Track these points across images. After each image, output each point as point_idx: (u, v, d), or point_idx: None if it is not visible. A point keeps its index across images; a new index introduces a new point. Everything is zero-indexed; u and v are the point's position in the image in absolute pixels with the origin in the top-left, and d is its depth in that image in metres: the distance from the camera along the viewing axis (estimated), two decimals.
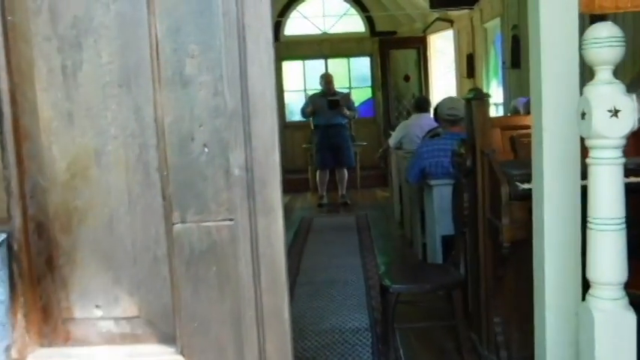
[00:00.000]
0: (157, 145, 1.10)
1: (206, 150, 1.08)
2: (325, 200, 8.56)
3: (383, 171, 9.88)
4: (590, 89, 1.71)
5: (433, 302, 3.49)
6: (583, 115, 1.72)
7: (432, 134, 5.29)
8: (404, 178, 5.38)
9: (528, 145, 3.04)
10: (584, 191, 2.10)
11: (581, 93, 1.92)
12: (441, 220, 4.16)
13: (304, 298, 4.43)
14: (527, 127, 3.16)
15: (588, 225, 1.79)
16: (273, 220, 1.12)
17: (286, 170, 11.27)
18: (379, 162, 8.57)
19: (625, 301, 1.78)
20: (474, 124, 2.96)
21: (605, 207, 1.73)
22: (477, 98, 2.92)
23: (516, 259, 2.86)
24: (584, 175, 2.06)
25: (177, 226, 1.10)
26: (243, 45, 1.03)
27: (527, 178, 2.83)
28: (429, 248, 4.59)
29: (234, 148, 1.07)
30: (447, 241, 4.08)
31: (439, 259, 4.29)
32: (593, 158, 1.73)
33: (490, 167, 2.85)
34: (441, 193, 4.12)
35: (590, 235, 1.79)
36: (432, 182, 4.17)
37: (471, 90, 3.12)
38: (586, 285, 1.94)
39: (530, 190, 2.70)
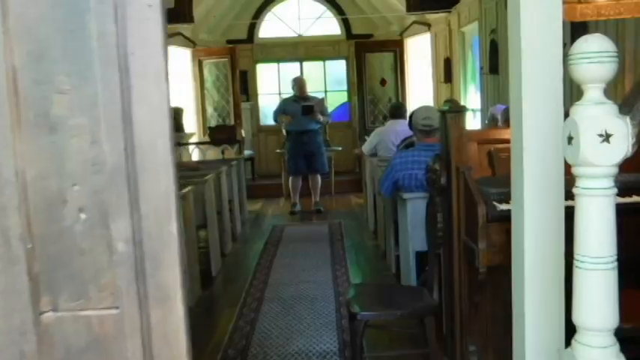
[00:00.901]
0: (19, 208, 0.84)
1: (82, 216, 0.83)
2: (298, 207, 8.33)
3: (357, 176, 9.70)
4: (578, 110, 1.50)
5: (405, 327, 3.28)
6: (570, 139, 1.51)
7: (407, 143, 5.10)
8: (377, 189, 5.18)
9: (507, 161, 2.84)
10: (568, 213, 1.91)
11: (565, 111, 1.72)
12: (414, 236, 3.95)
13: (270, 316, 4.19)
14: (506, 140, 2.96)
15: (575, 263, 1.59)
16: (170, 311, 0.87)
17: (259, 175, 11.05)
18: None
19: (615, 348, 1.57)
20: (448, 138, 2.75)
21: (595, 243, 1.52)
22: (453, 111, 2.71)
23: (493, 284, 2.67)
24: (567, 194, 1.87)
25: (48, 316, 0.85)
26: (126, 78, 0.79)
27: (506, 198, 2.63)
28: (402, 264, 4.38)
29: (117, 215, 0.82)
30: (422, 257, 3.88)
31: (413, 275, 4.09)
32: (580, 188, 1.52)
33: (466, 185, 2.65)
34: (415, 208, 3.91)
35: (577, 274, 1.58)
36: (406, 196, 3.96)
37: (446, 101, 2.91)
38: (571, 324, 1.74)
39: (509, 211, 2.50)
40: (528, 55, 2.02)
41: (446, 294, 2.84)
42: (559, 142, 1.65)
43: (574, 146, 1.50)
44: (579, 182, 1.52)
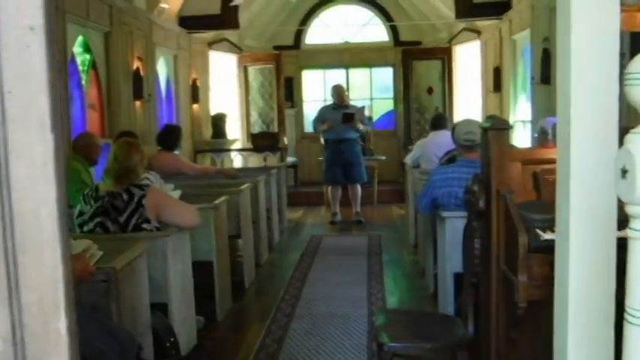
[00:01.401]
0: None
1: None
2: (338, 217, 8.14)
3: (401, 187, 9.46)
4: (636, 139, 1.28)
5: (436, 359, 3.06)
6: (624, 172, 1.29)
7: (450, 157, 4.87)
8: (415, 205, 4.95)
9: (554, 184, 2.61)
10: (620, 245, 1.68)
11: (620, 138, 1.49)
12: (453, 257, 3.72)
13: (299, 334, 4.01)
14: (554, 161, 2.72)
15: (625, 316, 1.36)
16: None
17: (302, 183, 10.93)
18: None
19: None
20: (489, 157, 2.53)
21: None
22: (495, 128, 2.48)
23: (533, 320, 2.43)
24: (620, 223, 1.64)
25: None
26: (0, 126, 0.63)
27: (552, 225, 2.39)
28: (440, 286, 4.14)
29: None
30: (460, 279, 3.65)
31: (450, 299, 3.85)
32: (634, 230, 1.29)
33: (506, 210, 2.42)
34: (455, 227, 3.67)
35: (628, 329, 1.35)
36: (445, 214, 3.73)
37: (488, 117, 2.69)
38: None
39: (554, 241, 2.26)
40: (579, 70, 1.79)
41: (482, 327, 2.61)
42: (612, 170, 1.43)
43: (628, 181, 1.28)
44: (633, 223, 1.30)
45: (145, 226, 3.31)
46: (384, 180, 10.24)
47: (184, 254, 3.60)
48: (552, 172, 2.65)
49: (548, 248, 2.25)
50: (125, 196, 3.29)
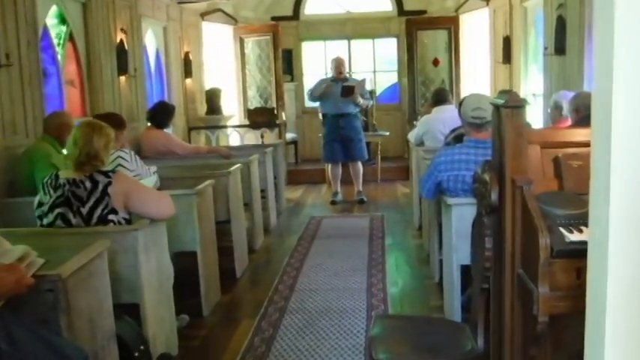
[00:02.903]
0: None
1: None
2: (340, 197, 7.75)
3: (406, 163, 9.04)
4: None
5: None
6: None
7: (456, 134, 4.46)
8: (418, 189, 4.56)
9: (580, 171, 2.20)
10: None
11: None
12: (460, 248, 3.34)
13: (291, 333, 3.66)
14: (579, 144, 2.31)
15: None
16: None
17: (303, 160, 10.51)
18: None
19: None
20: (503, 141, 2.12)
21: None
22: (510, 105, 2.07)
23: (555, 337, 2.04)
24: None
25: None
26: None
27: (578, 223, 2.00)
28: (445, 277, 3.77)
29: None
30: (468, 272, 3.27)
31: (457, 293, 3.49)
32: None
33: (524, 204, 2.02)
34: (462, 215, 3.29)
35: None
36: (450, 201, 3.34)
37: (501, 92, 2.27)
38: None
39: (582, 244, 1.87)
40: (625, 31, 1.37)
41: (494, 341, 2.23)
42: None
43: None
44: None
45: (111, 217, 2.93)
46: (388, 156, 9.84)
47: (160, 247, 3.22)
48: (577, 156, 2.25)
49: (576, 253, 1.86)
50: (88, 184, 2.91)
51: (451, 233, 3.37)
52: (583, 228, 1.95)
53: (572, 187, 2.15)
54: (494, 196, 2.06)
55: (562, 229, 1.94)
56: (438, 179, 3.42)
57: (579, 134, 2.31)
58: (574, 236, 1.89)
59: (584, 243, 1.88)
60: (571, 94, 4.43)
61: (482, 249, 2.15)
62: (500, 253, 2.15)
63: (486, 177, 2.14)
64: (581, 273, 1.88)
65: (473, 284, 2.35)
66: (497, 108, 2.19)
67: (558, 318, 1.96)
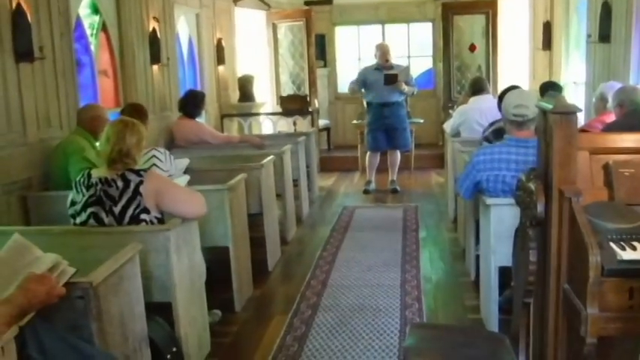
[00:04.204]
0: None
1: None
2: (373, 186, 7.66)
3: (441, 151, 8.88)
4: None
5: None
6: None
7: (496, 128, 4.32)
8: (455, 188, 4.44)
9: (632, 180, 2.08)
10: None
11: None
12: (498, 250, 3.24)
13: (323, 332, 3.60)
14: (631, 150, 2.19)
15: None
16: None
17: (335, 146, 10.42)
18: None
19: None
20: (550, 148, 2.00)
21: None
22: (561, 112, 1.95)
23: (603, 357, 1.94)
24: None
25: None
26: None
27: (630, 237, 1.88)
28: (482, 277, 3.67)
29: None
30: (507, 274, 3.17)
31: (494, 295, 3.39)
32: None
33: (572, 218, 1.91)
34: (501, 216, 3.18)
35: None
36: (489, 201, 3.22)
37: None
38: None
39: (636, 263, 1.77)
40: None
41: (535, 358, 2.14)
42: None
43: None
44: None
45: (143, 216, 2.90)
46: (422, 143, 9.67)
47: (192, 246, 3.19)
48: (629, 164, 2.12)
49: (630, 272, 1.75)
50: (120, 183, 2.88)
51: (489, 234, 3.26)
52: (636, 244, 1.84)
53: (624, 198, 2.04)
54: (540, 209, 1.95)
55: (613, 245, 1.83)
56: (477, 179, 3.31)
57: (631, 140, 2.18)
58: (627, 254, 1.78)
59: (638, 262, 1.78)
60: (617, 86, 4.24)
61: (525, 262, 2.04)
62: (544, 266, 2.04)
63: (531, 186, 2.03)
64: (634, 293, 1.78)
65: (514, 298, 2.25)
66: (544, 112, 2.07)
67: (609, 343, 1.86)
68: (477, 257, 4.06)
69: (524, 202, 2.10)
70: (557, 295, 1.98)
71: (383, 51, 7.35)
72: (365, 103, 7.76)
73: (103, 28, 5.32)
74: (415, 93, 7.75)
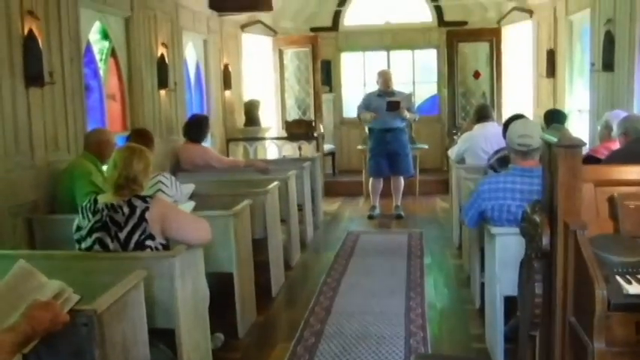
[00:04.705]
0: None
1: None
2: (377, 212, 7.66)
3: (445, 176, 8.89)
4: None
5: None
6: None
7: (500, 157, 4.33)
8: (460, 217, 4.44)
9: (637, 212, 2.08)
10: None
11: None
12: (503, 278, 3.23)
13: None
14: (636, 182, 2.19)
15: None
16: None
17: (340, 171, 10.44)
18: None
19: None
20: (555, 180, 2.01)
21: None
22: (566, 145, 1.96)
23: None
24: None
25: None
26: None
27: (636, 270, 1.88)
28: (487, 306, 3.65)
29: None
30: (512, 304, 3.16)
31: (500, 326, 3.37)
32: None
33: (577, 250, 1.91)
34: (506, 245, 3.18)
35: None
36: (495, 230, 3.22)
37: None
38: None
39: None
40: None
41: None
42: None
43: None
44: None
45: (148, 243, 2.91)
46: (427, 169, 9.67)
47: (196, 272, 3.18)
48: (635, 196, 2.12)
49: (634, 306, 1.75)
50: (126, 209, 2.89)
51: (494, 263, 3.26)
52: None
53: (629, 230, 2.04)
54: (545, 241, 1.96)
55: (619, 279, 1.83)
56: (482, 208, 3.31)
57: (636, 171, 2.19)
58: (633, 288, 1.78)
59: None
60: (623, 115, 4.26)
61: (531, 294, 2.04)
62: (550, 298, 2.04)
63: (537, 218, 2.03)
64: None
65: (520, 330, 2.24)
66: (548, 145, 2.08)
67: None
68: (482, 285, 4.05)
69: (529, 233, 2.10)
70: (563, 328, 1.97)
71: (385, 78, 7.41)
72: (367, 129, 7.80)
73: (112, 53, 5.38)
74: (416, 119, 7.81)
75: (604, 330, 1.75)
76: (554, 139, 2.00)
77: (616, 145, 4.19)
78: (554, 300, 1.99)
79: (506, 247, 3.18)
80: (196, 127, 5.97)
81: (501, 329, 3.38)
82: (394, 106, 7.13)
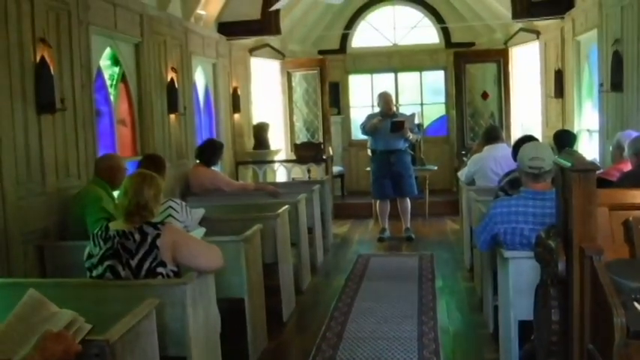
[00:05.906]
0: None
1: None
2: (387, 234, 7.62)
3: (455, 197, 8.85)
4: None
5: None
6: None
7: (511, 179, 4.31)
8: (473, 241, 4.41)
9: None
10: None
11: None
12: (517, 303, 3.18)
13: None
14: None
15: None
16: None
17: (349, 192, 10.42)
18: None
19: None
20: (569, 205, 1.99)
21: None
22: (580, 169, 1.95)
23: None
24: None
25: None
26: None
27: None
28: (501, 333, 3.60)
29: None
30: (527, 329, 3.11)
31: (515, 351, 3.32)
32: None
33: (593, 275, 1.89)
34: (519, 268, 3.14)
35: None
36: (508, 254, 3.19)
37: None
38: None
39: None
40: None
41: None
42: None
43: None
44: None
45: (160, 270, 2.90)
46: (436, 189, 9.65)
47: (208, 299, 3.17)
48: None
49: None
50: (137, 236, 2.89)
51: (508, 288, 3.22)
52: None
53: None
54: (561, 267, 1.93)
55: (638, 306, 1.80)
56: (494, 231, 3.28)
57: None
58: None
59: None
60: (635, 135, 4.24)
61: (547, 320, 2.01)
62: (567, 325, 2.01)
63: (552, 243, 2.01)
64: None
65: (537, 358, 2.21)
66: (562, 169, 2.07)
67: None
68: (495, 308, 4.00)
69: (544, 259, 2.08)
70: (582, 356, 1.94)
71: (386, 100, 7.40)
72: (370, 151, 7.78)
73: (123, 78, 5.43)
74: (419, 139, 7.78)
75: (624, 358, 1.72)
76: (567, 164, 1.98)
77: (627, 166, 4.16)
78: (572, 327, 1.96)
79: (520, 271, 3.14)
80: (211, 152, 6.01)
81: (516, 354, 3.33)
82: (399, 126, 7.11)
